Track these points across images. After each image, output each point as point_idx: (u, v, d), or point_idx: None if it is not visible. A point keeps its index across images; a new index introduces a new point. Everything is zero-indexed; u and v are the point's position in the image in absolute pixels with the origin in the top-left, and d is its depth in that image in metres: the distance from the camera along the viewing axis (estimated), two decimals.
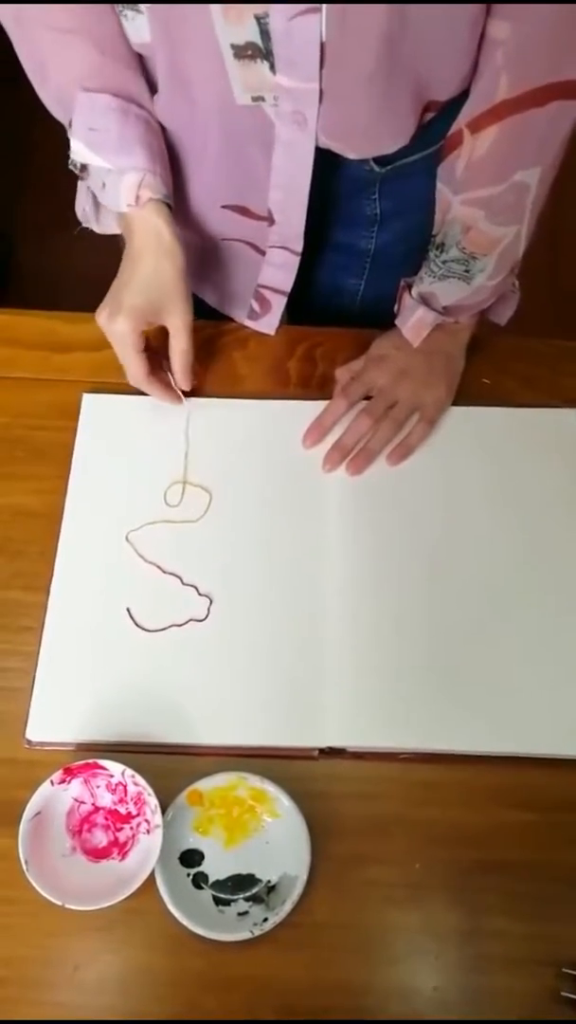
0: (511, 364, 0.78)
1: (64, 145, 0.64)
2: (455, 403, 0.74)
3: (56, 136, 0.66)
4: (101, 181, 0.64)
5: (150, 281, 0.65)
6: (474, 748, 0.62)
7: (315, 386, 0.76)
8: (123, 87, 0.62)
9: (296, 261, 0.69)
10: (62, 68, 0.61)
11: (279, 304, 0.73)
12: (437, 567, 0.68)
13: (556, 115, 0.57)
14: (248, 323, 0.77)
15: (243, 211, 0.69)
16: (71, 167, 0.65)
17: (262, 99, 0.57)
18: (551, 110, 0.56)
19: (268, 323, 0.75)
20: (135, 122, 0.62)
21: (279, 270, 0.70)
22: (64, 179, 0.69)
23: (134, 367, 0.68)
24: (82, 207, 0.70)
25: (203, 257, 0.76)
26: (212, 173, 0.67)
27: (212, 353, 0.78)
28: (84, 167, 0.64)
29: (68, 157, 0.64)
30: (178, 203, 0.68)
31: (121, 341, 0.66)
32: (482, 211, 0.62)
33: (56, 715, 0.63)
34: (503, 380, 0.78)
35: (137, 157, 0.62)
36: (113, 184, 0.63)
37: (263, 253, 0.70)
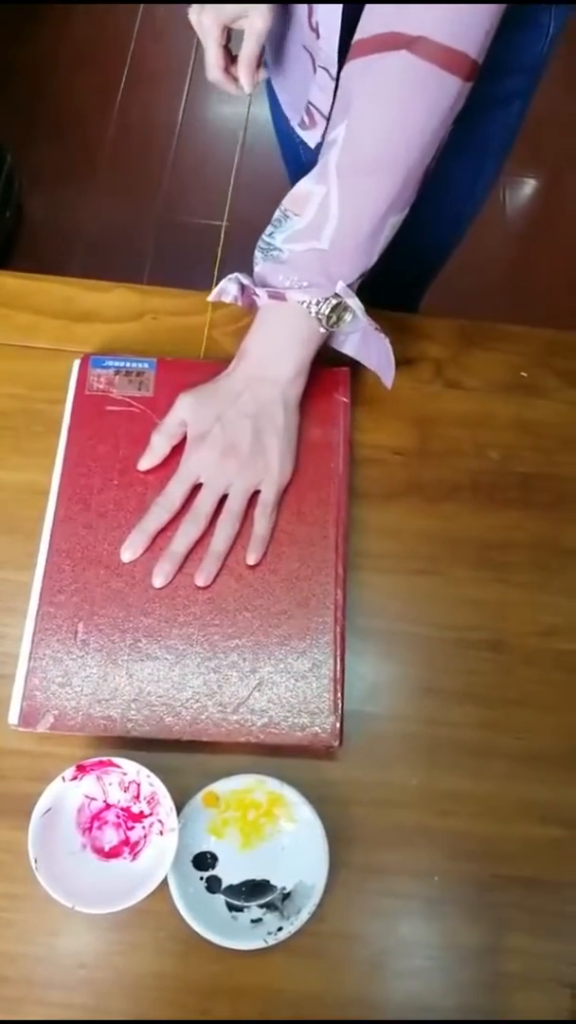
0: (549, 358, 0.76)
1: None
2: None
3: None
4: None
5: None
6: None
7: None
8: None
9: (332, 86, 0.70)
10: None
11: (323, 125, 0.76)
12: None
13: (371, 66, 0.56)
14: (298, 131, 0.82)
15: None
16: None
17: None
18: (371, 61, 0.56)
19: (312, 136, 0.79)
20: None
21: (321, 92, 0.73)
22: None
23: (212, 57, 0.72)
24: None
25: (281, 50, 0.79)
26: None
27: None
28: None
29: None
30: None
31: (206, 33, 0.71)
32: None
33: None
34: (541, 374, 0.75)
35: None
36: None
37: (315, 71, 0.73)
